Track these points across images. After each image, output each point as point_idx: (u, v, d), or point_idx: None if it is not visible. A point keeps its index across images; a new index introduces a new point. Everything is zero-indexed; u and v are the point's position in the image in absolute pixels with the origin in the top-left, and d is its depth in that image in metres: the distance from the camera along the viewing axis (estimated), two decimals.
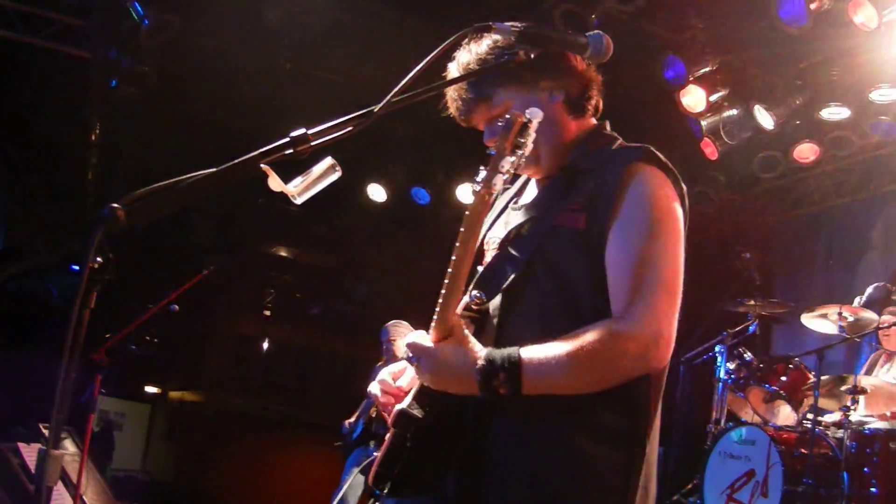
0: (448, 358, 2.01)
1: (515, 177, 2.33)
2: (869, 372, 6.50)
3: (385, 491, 2.08)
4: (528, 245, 2.14)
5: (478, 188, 1.97)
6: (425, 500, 2.11)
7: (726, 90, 7.30)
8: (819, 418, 6.05)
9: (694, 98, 7.24)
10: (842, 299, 6.66)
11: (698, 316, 7.33)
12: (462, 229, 1.99)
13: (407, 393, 2.14)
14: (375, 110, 1.94)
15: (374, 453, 2.15)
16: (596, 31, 2.23)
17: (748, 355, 6.69)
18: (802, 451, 5.84)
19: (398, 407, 2.07)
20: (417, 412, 2.06)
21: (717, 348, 6.98)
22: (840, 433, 5.82)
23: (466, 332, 2.04)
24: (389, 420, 2.09)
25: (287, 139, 1.85)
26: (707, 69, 7.12)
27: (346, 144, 1.92)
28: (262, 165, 1.84)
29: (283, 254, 12.74)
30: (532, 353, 1.95)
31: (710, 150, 7.75)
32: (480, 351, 1.99)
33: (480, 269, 2.19)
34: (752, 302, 7.12)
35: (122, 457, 13.03)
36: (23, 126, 8.43)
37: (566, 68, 2.27)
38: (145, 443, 14.82)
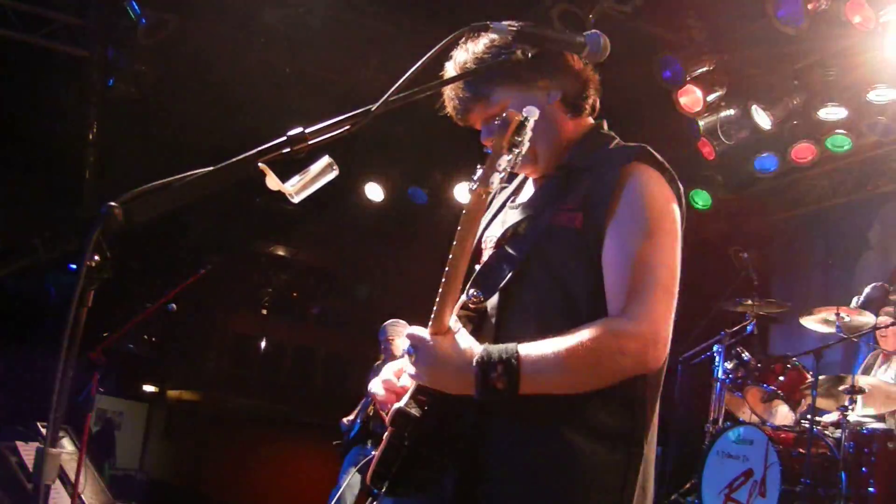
0: (446, 351, 2.01)
1: (512, 175, 2.33)
2: (867, 372, 6.51)
3: (383, 490, 2.08)
4: (524, 244, 2.14)
5: (475, 187, 1.97)
6: (423, 499, 2.11)
7: (724, 90, 7.30)
8: (817, 418, 6.06)
9: (691, 98, 7.24)
10: (839, 299, 6.67)
11: (696, 315, 7.33)
12: (459, 228, 1.99)
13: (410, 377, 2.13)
14: (372, 109, 1.94)
15: (372, 452, 2.15)
16: (593, 31, 2.23)
17: (746, 355, 6.69)
18: (800, 450, 5.85)
19: (396, 406, 2.07)
20: (415, 411, 2.05)
21: (714, 348, 6.98)
22: (838, 433, 5.82)
23: (463, 329, 2.04)
24: (387, 419, 2.09)
25: (284, 138, 1.85)
26: (704, 69, 7.12)
27: (343, 143, 1.92)
28: (259, 164, 1.84)
29: (281, 253, 12.74)
30: (530, 349, 1.95)
31: (708, 149, 7.76)
32: (478, 347, 2.00)
33: (478, 267, 2.19)
34: (750, 302, 7.13)
35: (119, 456, 13.04)
36: (20, 125, 8.42)
37: (563, 68, 2.27)
38: (143, 442, 14.82)
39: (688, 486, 7.02)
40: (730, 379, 6.69)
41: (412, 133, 8.56)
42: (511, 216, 2.27)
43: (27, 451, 5.04)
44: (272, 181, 1.90)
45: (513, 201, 2.37)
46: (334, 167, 1.99)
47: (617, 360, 1.96)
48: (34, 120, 8.51)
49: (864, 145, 7.63)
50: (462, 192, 9.02)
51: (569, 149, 2.27)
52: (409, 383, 2.14)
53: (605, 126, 2.36)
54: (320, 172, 1.99)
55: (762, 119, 7.23)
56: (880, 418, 5.94)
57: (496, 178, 1.96)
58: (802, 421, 6.11)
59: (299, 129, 1.85)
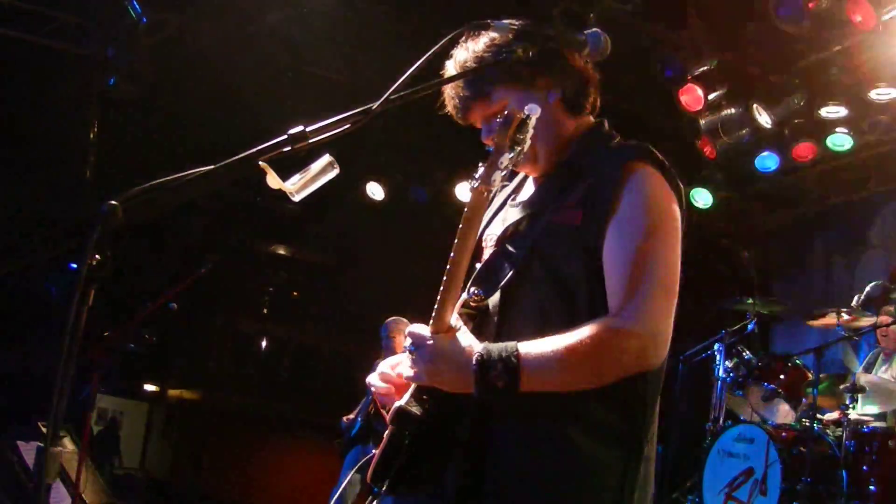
0: (446, 349, 2.01)
1: (513, 174, 2.33)
2: (868, 370, 6.51)
3: (383, 489, 2.08)
4: (525, 242, 2.14)
5: (476, 185, 1.97)
6: (424, 497, 2.11)
7: (725, 89, 7.30)
8: (818, 416, 6.06)
9: (692, 96, 7.24)
10: (840, 298, 6.67)
11: (697, 314, 7.33)
12: (461, 226, 1.99)
13: (406, 382, 2.13)
14: (373, 108, 1.94)
15: (373, 451, 2.15)
16: (594, 30, 2.23)
17: (747, 354, 6.69)
18: (801, 449, 5.86)
19: (397, 404, 2.07)
20: (416, 410, 2.05)
21: (715, 347, 6.98)
22: (839, 431, 5.83)
23: (464, 327, 2.04)
24: (388, 417, 2.09)
25: (285, 136, 1.85)
26: (705, 68, 7.12)
27: (344, 142, 1.92)
28: (260, 163, 1.84)
29: (282, 252, 12.73)
30: (530, 347, 1.95)
31: (709, 148, 7.76)
32: (478, 345, 2.00)
33: (479, 266, 2.19)
34: (751, 300, 7.13)
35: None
36: (20, 123, 8.41)
37: (564, 66, 2.26)
38: (143, 441, 14.82)
39: (688, 484, 7.03)
40: (731, 377, 6.69)
41: (413, 131, 8.56)
42: (511, 214, 2.27)
43: (28, 450, 5.04)
44: (273, 180, 1.90)
45: (513, 199, 2.37)
46: (335, 166, 1.99)
47: (617, 358, 1.96)
48: (34, 119, 8.50)
49: (865, 144, 7.63)
50: (463, 191, 9.03)
51: (569, 147, 2.27)
52: (406, 374, 2.13)
53: (606, 125, 2.35)
54: (321, 171, 1.99)
55: (763, 118, 7.23)
56: (881, 417, 5.94)
57: (497, 177, 1.96)
58: (803, 419, 6.11)
59: (300, 128, 1.85)
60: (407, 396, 2.09)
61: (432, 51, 2.03)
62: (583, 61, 2.28)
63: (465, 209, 1.99)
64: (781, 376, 6.41)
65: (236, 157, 1.82)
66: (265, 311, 13.97)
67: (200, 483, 12.42)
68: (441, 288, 2.01)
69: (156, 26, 6.68)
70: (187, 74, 7.66)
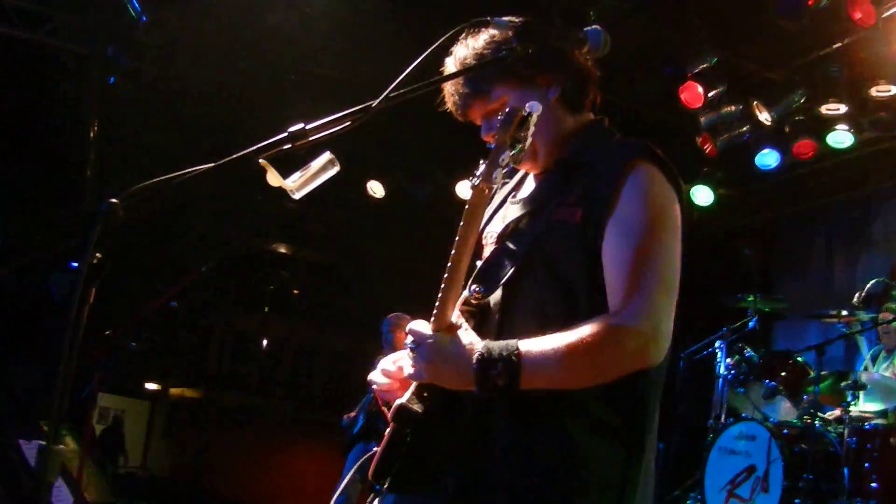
0: (446, 347, 2.00)
1: (514, 171, 2.32)
2: (869, 368, 6.51)
3: (385, 486, 2.08)
4: (525, 239, 2.14)
5: (477, 182, 1.97)
6: (425, 495, 2.10)
7: (725, 86, 7.29)
8: (819, 414, 6.06)
9: (692, 94, 7.23)
10: (841, 295, 6.67)
11: (698, 312, 7.33)
12: (461, 223, 1.99)
13: (407, 379, 2.13)
14: (373, 105, 1.94)
15: (375, 449, 2.15)
16: (594, 27, 2.23)
17: (748, 351, 6.69)
18: (803, 446, 5.86)
19: (398, 402, 2.07)
20: (417, 407, 2.05)
21: (717, 344, 6.99)
22: (840, 428, 5.83)
23: (466, 325, 2.04)
24: (389, 415, 2.09)
25: (285, 134, 1.85)
26: (705, 65, 7.12)
27: (344, 140, 1.92)
28: (260, 161, 1.84)
29: (282, 250, 12.74)
30: (531, 345, 1.95)
31: (709, 146, 7.75)
32: (479, 343, 1.99)
33: (479, 263, 2.19)
34: (752, 297, 7.13)
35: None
36: (21, 123, 8.42)
37: (564, 63, 2.26)
38: (145, 439, 14.84)
39: (690, 482, 7.03)
40: (732, 375, 6.69)
41: (414, 129, 8.55)
42: (512, 212, 2.27)
43: (29, 449, 5.04)
44: (273, 177, 1.90)
45: (514, 197, 2.36)
46: (335, 163, 1.99)
47: (618, 356, 1.95)
48: (35, 118, 8.51)
49: (866, 141, 7.63)
50: (464, 188, 9.02)
51: (569, 144, 2.26)
52: (407, 372, 2.13)
53: (606, 122, 2.35)
54: (321, 169, 1.99)
55: (763, 115, 7.23)
56: (883, 414, 5.94)
57: (498, 174, 1.95)
58: (805, 416, 6.11)
59: (300, 126, 1.85)
60: (408, 394, 2.09)
61: (432, 48, 2.03)
62: (583, 58, 2.28)
63: (466, 207, 1.99)
64: (783, 373, 6.40)
65: (236, 155, 1.83)
66: (266, 309, 13.98)
67: (202, 481, 12.43)
68: (442, 286, 2.00)
69: (155, 25, 6.68)
70: (187, 73, 7.66)
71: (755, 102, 7.22)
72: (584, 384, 1.98)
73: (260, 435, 12.48)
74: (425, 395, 2.07)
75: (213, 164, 1.80)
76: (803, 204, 9.12)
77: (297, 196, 1.96)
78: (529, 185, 2.36)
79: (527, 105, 1.96)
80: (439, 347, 2.01)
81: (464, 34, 2.23)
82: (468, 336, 2.02)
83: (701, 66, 7.12)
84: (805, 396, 6.23)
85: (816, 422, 5.91)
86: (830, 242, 8.92)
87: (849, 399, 5.76)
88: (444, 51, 2.20)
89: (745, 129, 7.51)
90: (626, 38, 6.68)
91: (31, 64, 7.89)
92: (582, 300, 2.05)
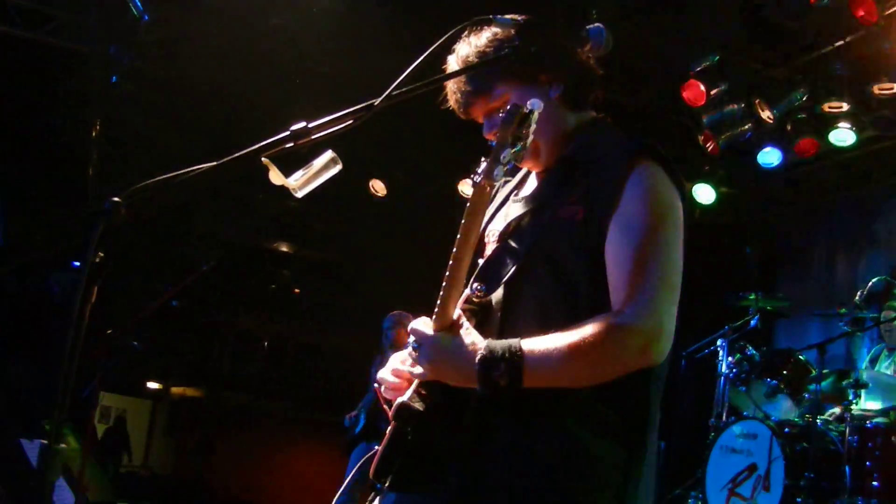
0: (449, 347, 2.01)
1: (515, 169, 2.32)
2: (871, 366, 6.51)
3: (386, 485, 2.08)
4: (527, 237, 2.14)
5: (478, 180, 1.96)
6: (426, 493, 2.10)
7: (727, 84, 7.29)
8: (821, 412, 6.06)
9: (695, 92, 7.23)
10: (843, 294, 6.67)
11: (700, 310, 7.33)
12: (463, 221, 1.98)
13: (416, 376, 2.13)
14: (375, 104, 1.94)
15: (377, 448, 2.15)
16: (596, 25, 2.23)
17: (750, 349, 6.69)
18: (804, 445, 5.85)
19: (399, 400, 2.07)
20: (419, 405, 2.05)
21: (718, 342, 6.98)
22: (842, 427, 5.83)
23: (467, 324, 2.04)
24: (390, 413, 2.09)
25: (287, 133, 1.85)
26: (707, 63, 7.11)
27: (346, 138, 1.91)
28: (262, 159, 1.84)
29: (284, 249, 12.74)
30: (533, 344, 1.95)
31: (711, 144, 7.75)
32: (481, 342, 1.99)
33: (481, 261, 2.18)
34: (754, 296, 7.13)
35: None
36: (23, 122, 8.42)
37: (566, 61, 2.26)
38: (147, 438, 14.86)
39: (691, 480, 7.03)
40: (733, 373, 6.69)
41: (416, 128, 8.55)
42: (514, 210, 2.26)
43: (31, 448, 5.04)
44: (275, 176, 1.90)
45: (515, 195, 2.36)
46: (338, 162, 1.99)
47: (620, 354, 1.95)
48: (37, 117, 8.51)
49: (868, 139, 7.63)
50: (466, 187, 9.02)
51: (571, 142, 2.26)
52: (416, 371, 2.13)
53: (609, 120, 2.35)
54: (323, 167, 1.99)
55: (765, 113, 7.22)
56: (884, 412, 5.94)
57: (500, 172, 1.95)
58: (806, 415, 6.11)
59: (302, 124, 1.85)
60: (409, 392, 2.09)
61: (434, 46, 2.03)
62: (585, 56, 2.28)
63: (468, 205, 1.99)
64: (784, 372, 6.40)
65: (238, 154, 1.82)
66: (267, 308, 13.98)
67: (204, 480, 12.44)
68: (444, 284, 2.00)
69: (157, 23, 6.68)
70: (189, 71, 7.67)
71: (757, 101, 7.21)
72: (586, 383, 1.98)
73: (261, 434, 12.49)
74: (426, 392, 2.07)
75: (214, 163, 1.80)
76: (805, 202, 9.12)
77: (299, 195, 1.96)
78: (531, 184, 2.36)
79: (528, 103, 1.95)
80: (441, 347, 2.01)
81: (466, 32, 2.23)
82: (470, 335, 2.02)
83: (703, 65, 7.12)
84: (806, 395, 6.23)
85: (818, 420, 5.90)
86: (832, 241, 8.92)
87: (850, 397, 5.76)
88: (446, 49, 2.20)
89: (747, 127, 7.50)
90: (628, 36, 6.69)
91: (32, 63, 7.89)
92: (584, 298, 2.04)
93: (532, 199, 2.25)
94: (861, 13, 5.89)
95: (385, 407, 2.18)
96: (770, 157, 7.84)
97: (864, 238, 8.53)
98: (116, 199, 1.66)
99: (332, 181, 2.06)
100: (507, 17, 2.19)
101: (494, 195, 2.36)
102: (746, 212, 9.52)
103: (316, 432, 11.27)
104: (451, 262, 1.99)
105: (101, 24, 7.41)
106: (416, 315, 2.16)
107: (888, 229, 8.27)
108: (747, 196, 9.29)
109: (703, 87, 7.18)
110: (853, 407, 5.77)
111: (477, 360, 1.95)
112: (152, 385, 14.85)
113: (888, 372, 6.24)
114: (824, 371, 6.00)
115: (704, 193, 8.64)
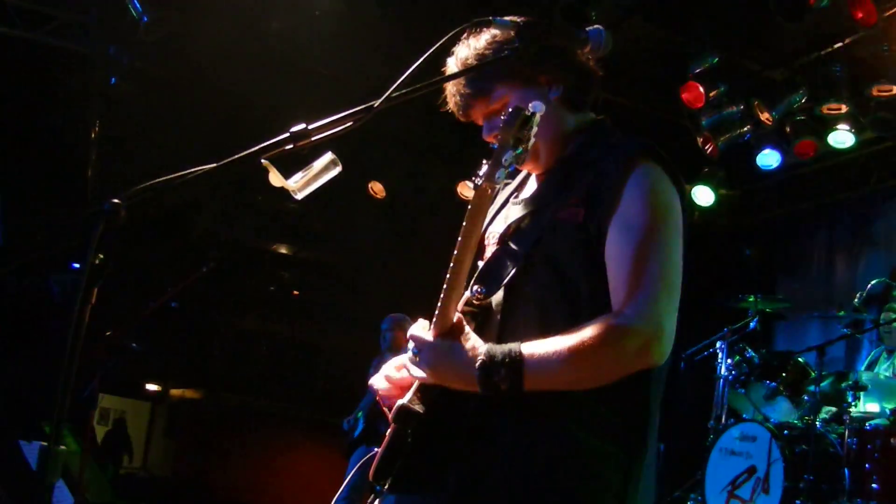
0: (448, 352, 2.01)
1: (516, 171, 2.32)
2: (870, 368, 6.51)
3: (386, 487, 2.08)
4: (527, 239, 2.14)
5: (480, 182, 1.96)
6: (426, 495, 2.10)
7: (726, 86, 7.29)
8: (820, 414, 6.06)
9: (694, 94, 7.23)
10: (842, 295, 6.67)
11: (699, 312, 7.33)
12: (464, 224, 1.98)
13: (408, 382, 2.13)
14: (375, 105, 1.94)
15: (377, 449, 2.15)
16: (596, 26, 2.22)
17: (749, 351, 6.69)
18: (803, 447, 5.85)
19: (399, 402, 2.07)
20: (418, 407, 2.05)
21: (717, 344, 6.98)
22: (841, 429, 5.82)
23: (467, 327, 2.04)
24: (390, 415, 2.09)
25: (287, 134, 1.85)
26: (707, 65, 7.11)
27: (346, 140, 1.91)
28: (262, 161, 1.84)
29: (283, 250, 12.73)
30: (533, 348, 1.94)
31: (710, 146, 7.75)
32: (481, 346, 1.99)
33: (481, 264, 2.18)
34: (753, 298, 7.12)
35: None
36: (22, 122, 8.42)
37: (565, 63, 2.26)
38: (146, 440, 14.84)
39: (691, 482, 7.02)
40: (733, 375, 6.69)
41: (416, 129, 8.56)
42: (514, 212, 2.26)
43: (30, 449, 5.04)
44: (275, 178, 1.90)
45: (516, 197, 2.36)
46: (337, 163, 1.99)
47: (620, 356, 1.95)
48: (37, 117, 8.51)
49: (867, 141, 7.63)
50: (466, 189, 9.02)
51: (571, 144, 2.26)
52: (409, 376, 2.13)
53: (608, 121, 2.35)
54: (323, 169, 1.99)
55: (764, 115, 7.22)
56: (883, 414, 5.94)
57: (502, 174, 1.94)
58: (805, 417, 6.11)
59: (302, 126, 1.85)
60: (409, 394, 2.09)
61: (434, 48, 2.03)
62: (584, 58, 2.28)
63: (468, 207, 1.98)
64: (783, 374, 6.40)
65: (238, 156, 1.82)
66: (267, 309, 13.97)
67: (203, 481, 12.42)
68: (444, 286, 2.00)
69: (156, 24, 6.68)
70: (188, 73, 7.67)
71: (756, 102, 7.22)
72: (586, 385, 1.97)
73: (261, 435, 12.46)
74: (426, 395, 2.07)
75: (214, 165, 1.80)
76: (804, 204, 9.12)
77: (299, 196, 1.96)
78: (531, 186, 2.36)
79: (530, 105, 1.95)
80: (441, 353, 2.01)
81: (465, 34, 2.23)
82: (470, 340, 2.02)
83: (702, 66, 7.12)
84: (806, 397, 6.23)
85: (817, 422, 5.90)
86: (831, 243, 8.91)
87: (849, 399, 5.76)
88: (446, 51, 2.20)
89: (746, 128, 7.51)
90: (627, 38, 6.71)
91: (32, 63, 7.89)
92: (584, 300, 2.04)
93: (532, 201, 2.24)
94: (860, 15, 5.89)
95: (385, 409, 2.18)
96: (769, 158, 7.85)
97: (864, 240, 8.52)
98: (116, 199, 1.66)
99: (332, 182, 2.06)
100: (507, 18, 2.19)
101: (495, 197, 2.36)
102: (746, 213, 9.52)
103: (316, 433, 11.26)
104: (451, 264, 1.99)
105: (101, 24, 7.40)
106: (415, 317, 2.16)
107: (887, 231, 8.27)
108: (746, 198, 9.29)
109: (702, 89, 7.17)
110: (853, 409, 5.77)
111: (477, 366, 1.95)
112: (151, 386, 14.83)
113: (888, 374, 6.24)
114: (823, 373, 6.00)
115: (704, 195, 8.64)
